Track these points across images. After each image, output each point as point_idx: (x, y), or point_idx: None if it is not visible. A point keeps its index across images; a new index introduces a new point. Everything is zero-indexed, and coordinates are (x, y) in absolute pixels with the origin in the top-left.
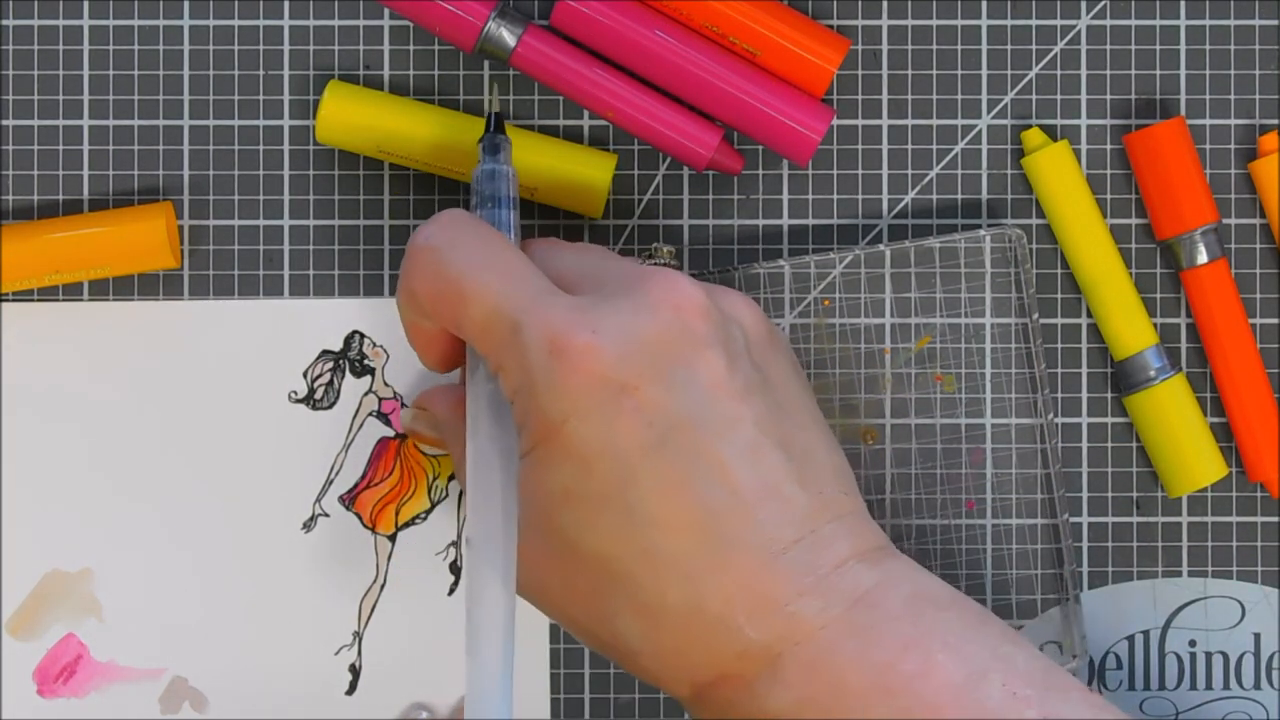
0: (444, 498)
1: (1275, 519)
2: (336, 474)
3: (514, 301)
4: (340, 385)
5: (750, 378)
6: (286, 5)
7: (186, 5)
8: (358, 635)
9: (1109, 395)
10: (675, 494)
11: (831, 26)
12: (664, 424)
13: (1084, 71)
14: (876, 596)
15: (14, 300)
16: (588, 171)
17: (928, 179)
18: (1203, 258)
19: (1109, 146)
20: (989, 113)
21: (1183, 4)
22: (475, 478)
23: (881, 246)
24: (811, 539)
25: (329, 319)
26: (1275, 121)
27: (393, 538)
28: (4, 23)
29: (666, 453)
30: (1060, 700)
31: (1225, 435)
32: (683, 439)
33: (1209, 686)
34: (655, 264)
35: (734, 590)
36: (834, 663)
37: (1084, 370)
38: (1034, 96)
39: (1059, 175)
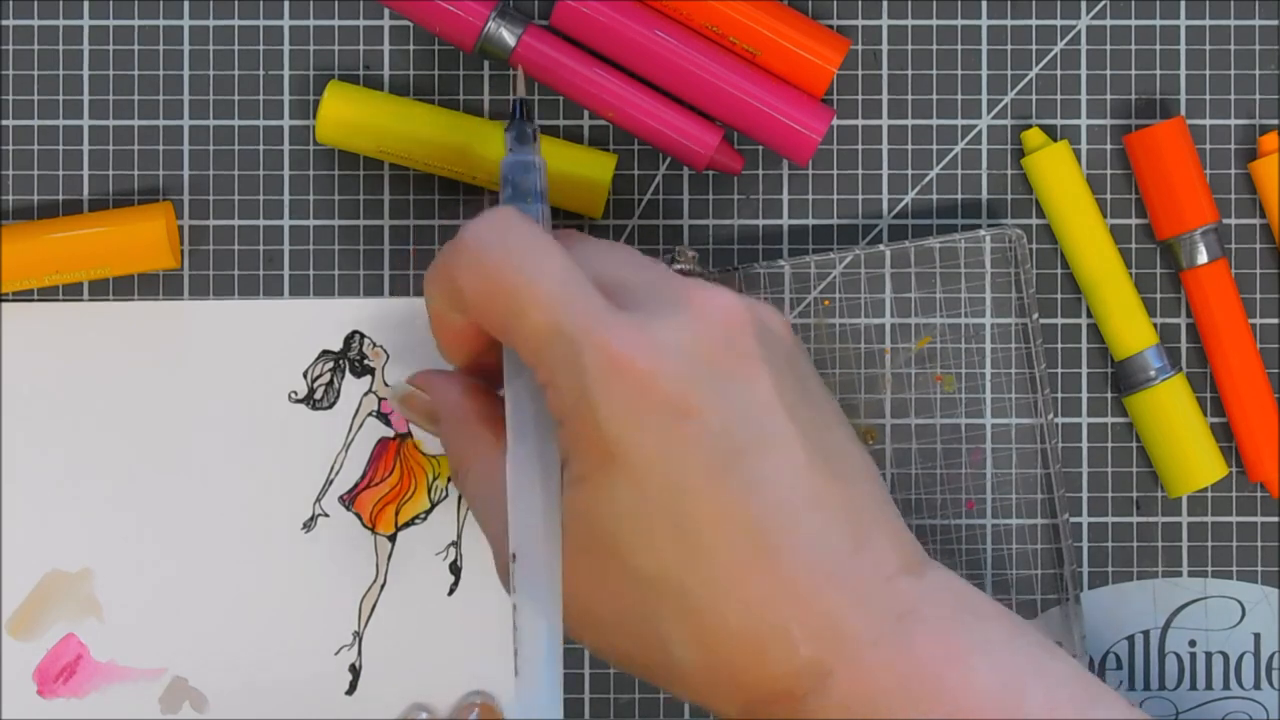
0: (444, 498)
1: (1275, 519)
2: (336, 474)
3: (573, 319)
4: (340, 385)
5: (795, 391)
6: (286, 5)
7: (186, 5)
8: (358, 635)
9: (1109, 395)
10: (735, 515)
11: (831, 26)
12: (725, 446)
13: (1084, 71)
14: (923, 609)
15: (14, 300)
16: (588, 171)
17: (928, 179)
18: (1203, 258)
19: (1109, 146)
20: (989, 113)
21: (1183, 4)
22: (517, 491)
23: (881, 246)
24: (864, 552)
25: (329, 319)
26: (1275, 121)
27: (393, 538)
28: (4, 23)
29: (727, 475)
30: (1104, 716)
31: (1225, 435)
32: (742, 460)
33: (1209, 686)
34: (680, 269)
35: (791, 609)
36: (881, 677)
37: (1084, 370)
38: (1034, 96)
39: (1059, 175)
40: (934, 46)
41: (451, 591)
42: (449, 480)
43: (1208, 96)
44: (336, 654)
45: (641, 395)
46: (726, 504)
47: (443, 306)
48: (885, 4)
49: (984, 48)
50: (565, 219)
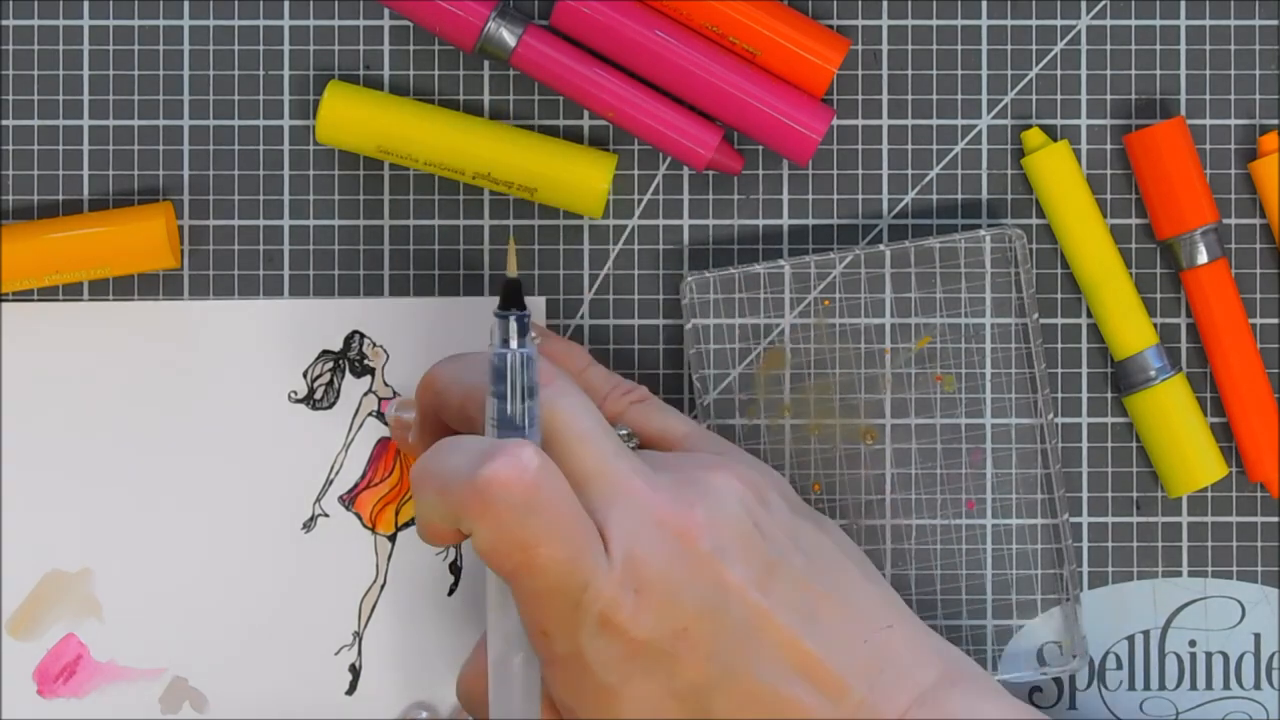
0: None
1: (1275, 519)
2: (336, 474)
3: (578, 577)
4: (340, 385)
5: (764, 558)
6: (286, 5)
7: (186, 5)
8: (358, 635)
9: (1109, 395)
10: (747, 698)
11: (831, 26)
12: (718, 648)
13: (1084, 71)
14: None
15: (14, 300)
16: (588, 171)
17: (928, 179)
18: (1203, 258)
19: (1109, 146)
20: (989, 113)
21: (1183, 4)
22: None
23: (881, 246)
24: (869, 698)
25: (329, 319)
26: (1275, 121)
27: (393, 538)
28: (4, 23)
29: (728, 668)
30: None
31: (1225, 435)
32: (735, 652)
33: (1209, 686)
34: (633, 449)
35: None
36: None
37: (1084, 370)
38: (1034, 96)
39: (1059, 175)
40: (934, 46)
41: (451, 591)
42: None
43: (1208, 96)
44: (336, 654)
45: (634, 651)
46: (735, 692)
47: (436, 520)
48: (885, 4)
49: (984, 48)
50: (565, 219)
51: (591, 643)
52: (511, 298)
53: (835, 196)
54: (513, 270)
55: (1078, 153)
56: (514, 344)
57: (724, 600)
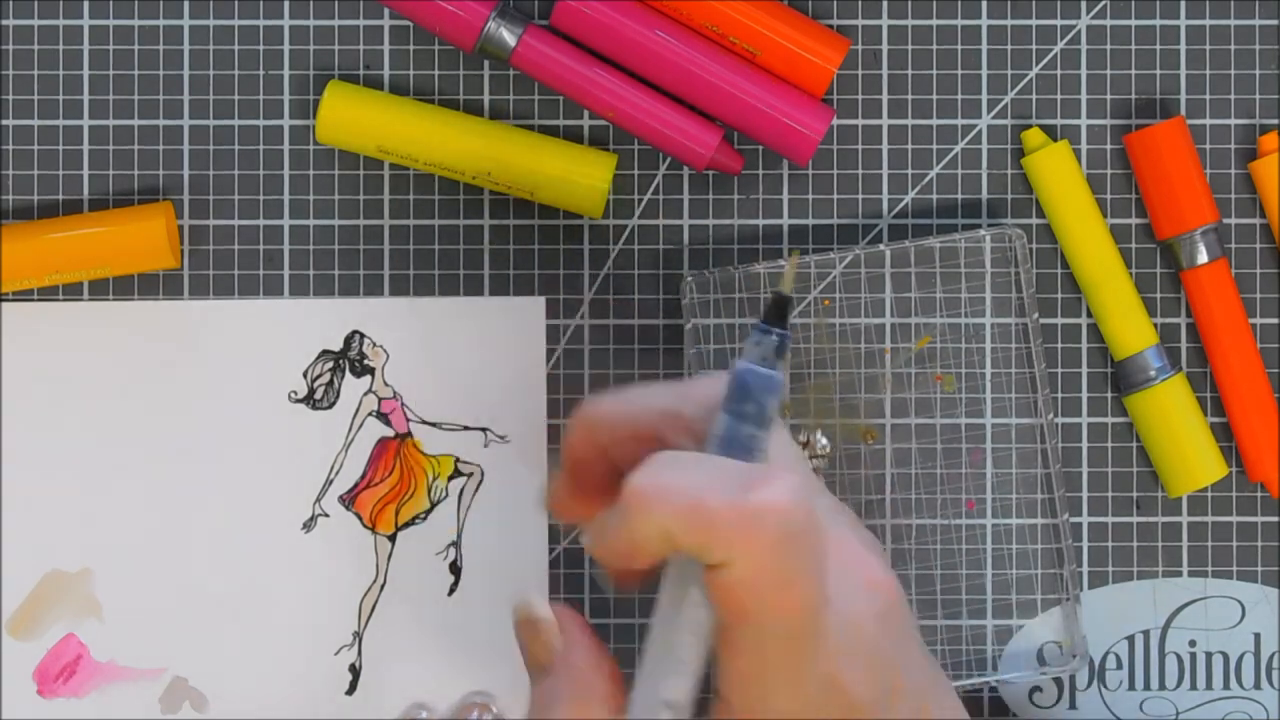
0: (444, 498)
1: (1275, 519)
2: (336, 474)
3: (819, 625)
4: (340, 385)
5: (906, 628)
6: (286, 5)
7: (186, 5)
8: (358, 635)
9: (1109, 395)
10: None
11: (831, 26)
12: (882, 682)
13: (1084, 71)
14: None
15: (14, 300)
16: (588, 171)
17: (928, 179)
18: (1203, 258)
19: (1109, 146)
20: (989, 113)
21: (1183, 4)
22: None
23: (881, 246)
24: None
25: (329, 319)
26: (1275, 121)
27: (393, 538)
28: (4, 23)
29: (890, 703)
30: None
31: (1225, 435)
32: (898, 688)
33: (1209, 686)
34: (816, 461)
35: None
36: None
37: (1084, 370)
38: (1034, 96)
39: (1059, 175)
40: (934, 46)
41: (451, 591)
42: (449, 480)
43: (1208, 96)
44: (336, 654)
45: (849, 712)
46: None
47: (657, 539)
48: (885, 4)
49: (984, 48)
50: (565, 219)
51: (816, 699)
52: (779, 314)
53: (835, 196)
54: (789, 286)
55: (1078, 153)
56: (768, 364)
57: (905, 671)
